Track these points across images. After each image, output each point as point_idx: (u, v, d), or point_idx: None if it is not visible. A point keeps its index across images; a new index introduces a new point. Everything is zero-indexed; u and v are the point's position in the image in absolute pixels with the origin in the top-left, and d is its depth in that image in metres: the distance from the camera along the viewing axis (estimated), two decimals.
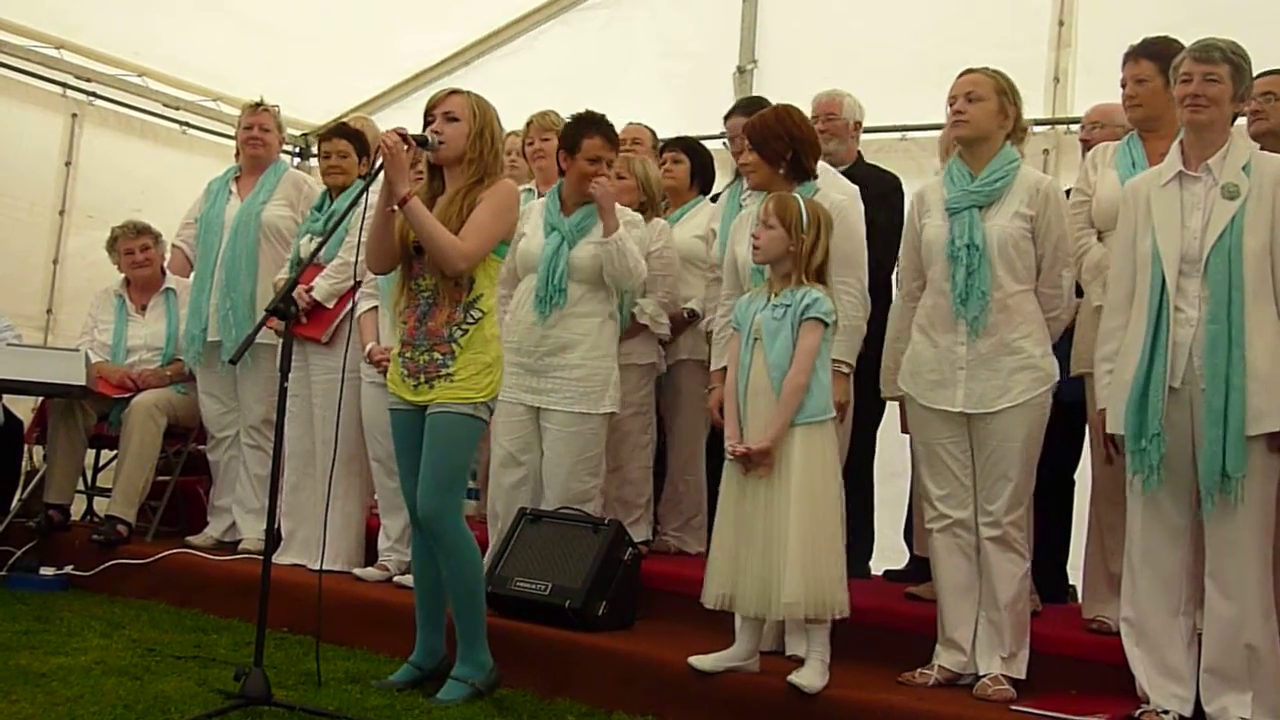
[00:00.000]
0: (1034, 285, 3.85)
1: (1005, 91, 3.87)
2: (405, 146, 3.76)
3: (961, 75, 3.92)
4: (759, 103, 4.82)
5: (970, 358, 3.81)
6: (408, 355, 3.88)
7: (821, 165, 4.43)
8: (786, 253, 3.80)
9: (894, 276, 4.39)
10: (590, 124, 4.68)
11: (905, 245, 4.11)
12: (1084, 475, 4.68)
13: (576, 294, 4.65)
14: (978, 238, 3.79)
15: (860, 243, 4.14)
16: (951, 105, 3.89)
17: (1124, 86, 4.18)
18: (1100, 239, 4.12)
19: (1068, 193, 4.18)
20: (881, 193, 4.75)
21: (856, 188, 4.38)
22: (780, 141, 4.07)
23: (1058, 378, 3.85)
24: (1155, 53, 4.08)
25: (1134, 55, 4.15)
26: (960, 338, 3.83)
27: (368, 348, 5.02)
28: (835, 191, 4.17)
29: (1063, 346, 4.09)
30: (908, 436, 4.76)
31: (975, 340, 3.80)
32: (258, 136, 5.68)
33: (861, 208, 4.28)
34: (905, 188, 4.98)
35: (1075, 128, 5.98)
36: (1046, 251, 3.84)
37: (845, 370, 4.06)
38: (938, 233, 3.88)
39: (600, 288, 4.68)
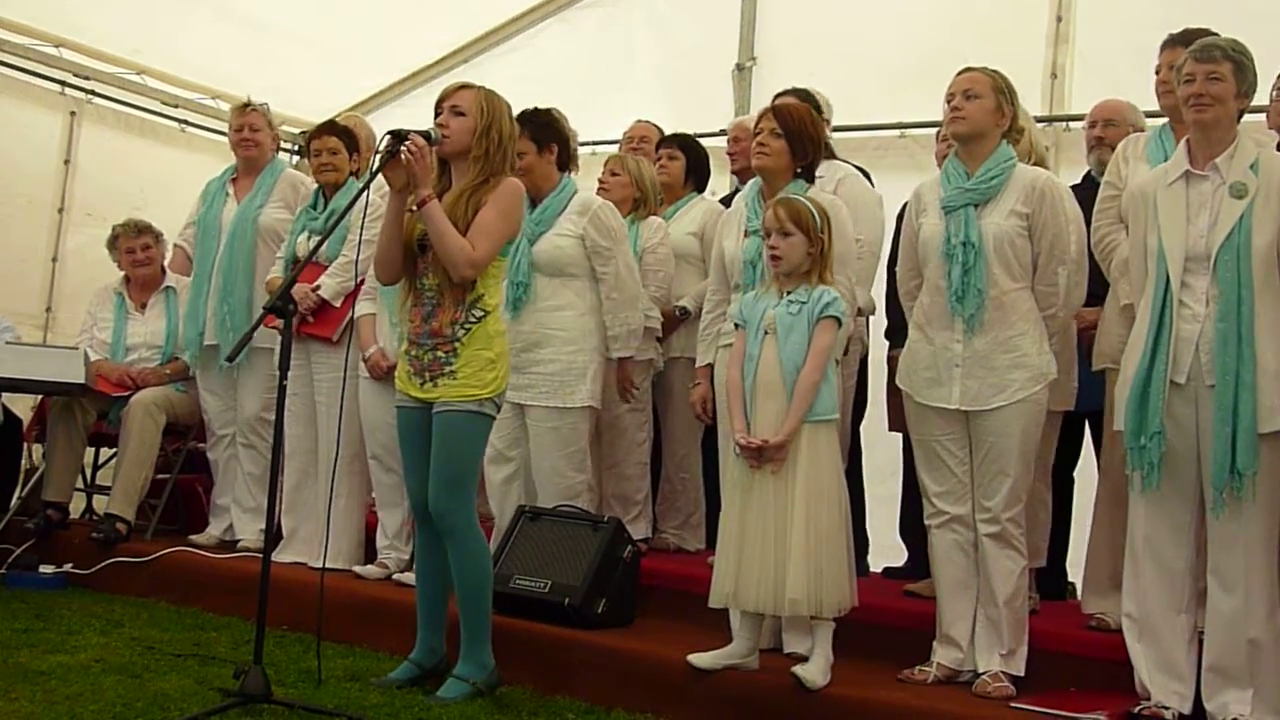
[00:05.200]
0: (1030, 283, 3.85)
1: (1003, 90, 3.86)
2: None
3: (959, 73, 3.92)
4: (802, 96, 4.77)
5: (966, 355, 3.81)
6: (413, 354, 3.88)
7: (849, 169, 4.50)
8: (807, 256, 3.81)
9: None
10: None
11: (903, 243, 4.11)
12: (1082, 473, 4.69)
13: (547, 288, 4.64)
14: (974, 235, 3.78)
15: (851, 243, 4.15)
16: (949, 103, 3.89)
17: (1157, 73, 4.18)
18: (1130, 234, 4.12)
19: (1086, 188, 4.16)
20: None
21: (880, 195, 4.41)
22: (811, 142, 4.11)
23: (1054, 375, 3.84)
24: (1191, 42, 4.07)
25: (1171, 44, 4.14)
26: (957, 335, 3.83)
27: (369, 352, 5.01)
28: (838, 196, 4.19)
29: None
30: (899, 434, 4.80)
31: (971, 338, 3.80)
32: (249, 138, 5.66)
33: (881, 214, 4.31)
34: (900, 185, 4.98)
35: (1074, 124, 6.00)
36: (1043, 249, 3.83)
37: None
38: (934, 230, 3.88)
39: (574, 279, 4.66)
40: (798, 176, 4.11)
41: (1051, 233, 3.82)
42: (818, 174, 4.22)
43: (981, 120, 3.84)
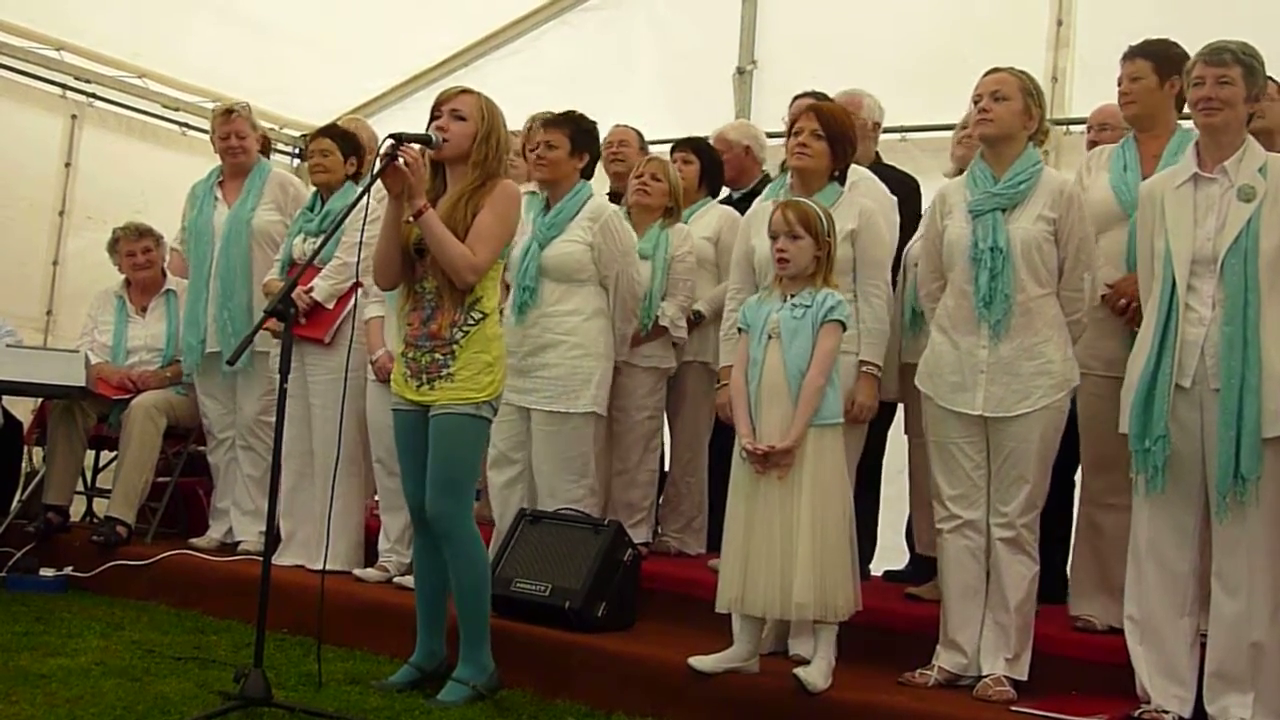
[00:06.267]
0: (1055, 288, 3.83)
1: (1030, 92, 3.85)
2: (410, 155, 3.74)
3: (987, 74, 3.90)
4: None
5: (992, 361, 3.79)
6: (410, 356, 3.88)
7: (865, 172, 4.48)
8: (813, 259, 3.81)
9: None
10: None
11: (926, 246, 4.09)
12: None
13: (554, 293, 4.63)
14: (1001, 240, 3.76)
15: (888, 248, 4.17)
16: (976, 104, 3.87)
17: (1119, 84, 4.19)
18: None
19: None
20: (901, 195, 4.70)
21: (896, 198, 4.43)
22: (850, 145, 4.12)
23: (1077, 381, 3.84)
24: (1151, 52, 4.10)
25: (1130, 55, 4.17)
26: (982, 340, 3.81)
27: (377, 354, 5.00)
28: (866, 198, 4.19)
29: None
30: (907, 437, 4.79)
31: (997, 343, 3.78)
32: (236, 144, 5.65)
33: (896, 218, 4.34)
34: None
35: (1074, 128, 6.00)
36: (1069, 254, 3.81)
37: (875, 373, 4.06)
38: (960, 234, 3.86)
39: (583, 285, 4.65)
40: (833, 179, 4.10)
41: (1078, 238, 3.81)
42: None
43: (1009, 122, 3.82)
